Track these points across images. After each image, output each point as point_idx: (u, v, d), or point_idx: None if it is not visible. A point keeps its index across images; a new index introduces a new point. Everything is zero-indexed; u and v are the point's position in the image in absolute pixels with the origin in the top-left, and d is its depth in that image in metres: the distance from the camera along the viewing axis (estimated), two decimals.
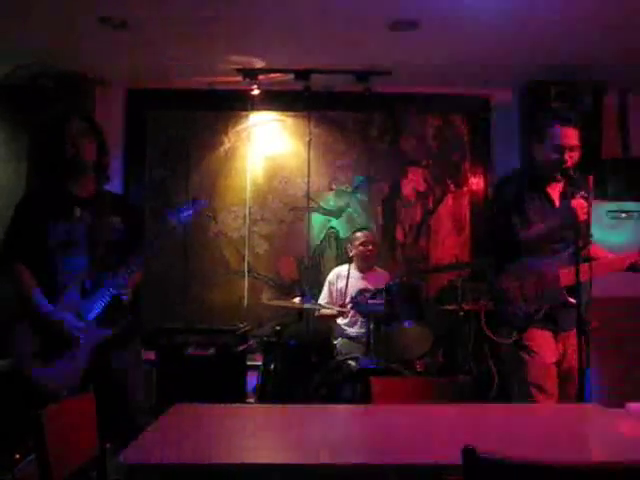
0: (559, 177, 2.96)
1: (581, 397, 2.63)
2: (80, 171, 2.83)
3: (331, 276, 4.79)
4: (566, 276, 2.83)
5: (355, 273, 4.65)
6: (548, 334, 2.94)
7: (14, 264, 2.74)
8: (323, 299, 4.73)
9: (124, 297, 2.78)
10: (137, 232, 2.98)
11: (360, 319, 4.45)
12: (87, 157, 2.82)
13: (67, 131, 2.78)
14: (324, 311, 4.53)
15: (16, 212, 2.83)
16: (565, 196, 2.95)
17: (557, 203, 3.00)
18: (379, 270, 4.79)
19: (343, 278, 4.58)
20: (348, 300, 4.40)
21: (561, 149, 2.90)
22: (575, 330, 2.70)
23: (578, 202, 2.76)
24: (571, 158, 2.91)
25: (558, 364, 2.95)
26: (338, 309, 4.51)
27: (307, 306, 4.26)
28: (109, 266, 2.78)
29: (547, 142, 2.95)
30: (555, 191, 3.03)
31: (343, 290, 4.54)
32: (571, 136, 2.92)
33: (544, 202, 3.00)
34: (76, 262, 2.76)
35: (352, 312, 4.47)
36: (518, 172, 3.45)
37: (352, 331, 4.52)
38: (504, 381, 3.11)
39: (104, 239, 2.79)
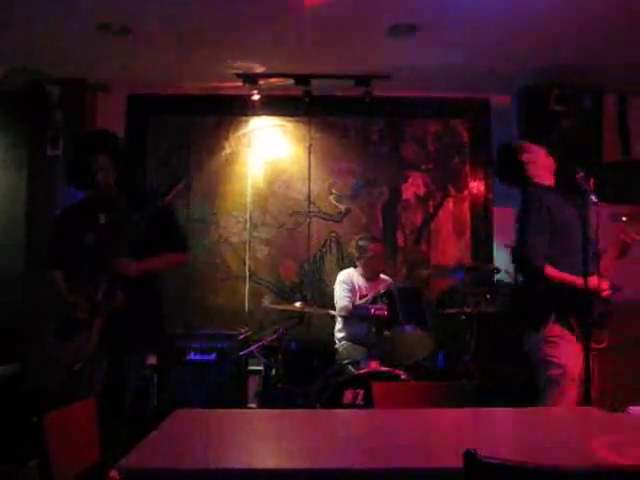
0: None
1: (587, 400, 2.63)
2: (104, 191, 3.20)
3: (343, 277, 4.69)
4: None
5: (360, 280, 4.66)
6: (577, 341, 2.90)
7: (54, 271, 3.20)
8: (343, 298, 4.61)
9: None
10: (159, 223, 3.12)
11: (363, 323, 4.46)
12: (109, 187, 3.19)
13: (95, 165, 3.12)
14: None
15: (54, 225, 3.35)
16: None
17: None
18: (384, 277, 4.76)
19: (355, 279, 4.62)
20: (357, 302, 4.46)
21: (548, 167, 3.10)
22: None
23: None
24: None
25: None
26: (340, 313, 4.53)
27: (308, 310, 4.28)
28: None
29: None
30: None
31: (363, 288, 4.58)
32: (550, 159, 3.12)
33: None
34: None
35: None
36: None
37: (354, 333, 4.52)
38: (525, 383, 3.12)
39: (130, 238, 3.03)
